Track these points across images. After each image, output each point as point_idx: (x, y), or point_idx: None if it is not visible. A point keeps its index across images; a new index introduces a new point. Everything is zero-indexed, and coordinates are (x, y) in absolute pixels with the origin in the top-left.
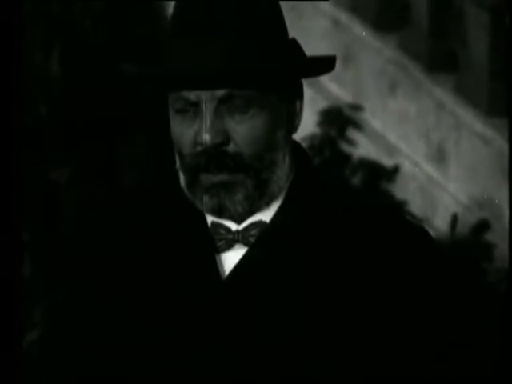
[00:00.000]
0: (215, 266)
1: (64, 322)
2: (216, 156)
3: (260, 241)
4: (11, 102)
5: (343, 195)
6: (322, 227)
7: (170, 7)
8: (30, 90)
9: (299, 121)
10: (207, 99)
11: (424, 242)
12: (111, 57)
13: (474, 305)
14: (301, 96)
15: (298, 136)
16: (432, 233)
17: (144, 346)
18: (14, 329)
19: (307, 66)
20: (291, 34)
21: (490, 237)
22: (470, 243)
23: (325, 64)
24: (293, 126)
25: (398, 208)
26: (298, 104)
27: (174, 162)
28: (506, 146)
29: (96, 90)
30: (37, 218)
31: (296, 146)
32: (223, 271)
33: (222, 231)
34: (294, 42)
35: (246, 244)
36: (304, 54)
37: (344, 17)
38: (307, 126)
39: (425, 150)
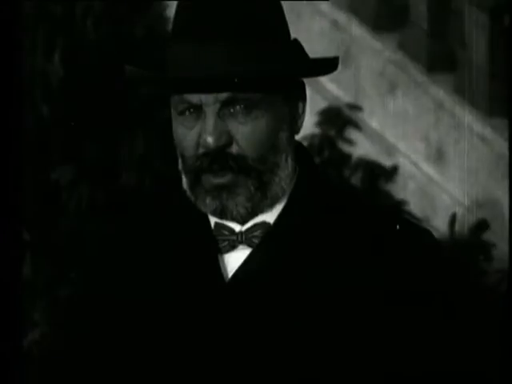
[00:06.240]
0: (218, 267)
1: (67, 321)
2: (219, 158)
3: (263, 242)
4: (13, 103)
5: (347, 196)
6: (325, 228)
7: (171, 8)
8: (32, 90)
9: (302, 122)
10: (210, 102)
11: (428, 243)
12: (112, 57)
13: (474, 305)
14: (303, 97)
15: (297, 136)
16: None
17: (147, 347)
18: (14, 329)
19: (309, 67)
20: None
21: (489, 237)
22: (470, 243)
23: (327, 64)
24: (295, 128)
25: (402, 209)
26: (300, 105)
27: (176, 163)
28: (505, 146)
29: (97, 91)
30: (38, 217)
31: (298, 146)
32: (226, 272)
33: (226, 232)
34: (296, 42)
35: (249, 245)
36: (306, 54)
37: (343, 17)
38: (306, 125)
39: (424, 150)
